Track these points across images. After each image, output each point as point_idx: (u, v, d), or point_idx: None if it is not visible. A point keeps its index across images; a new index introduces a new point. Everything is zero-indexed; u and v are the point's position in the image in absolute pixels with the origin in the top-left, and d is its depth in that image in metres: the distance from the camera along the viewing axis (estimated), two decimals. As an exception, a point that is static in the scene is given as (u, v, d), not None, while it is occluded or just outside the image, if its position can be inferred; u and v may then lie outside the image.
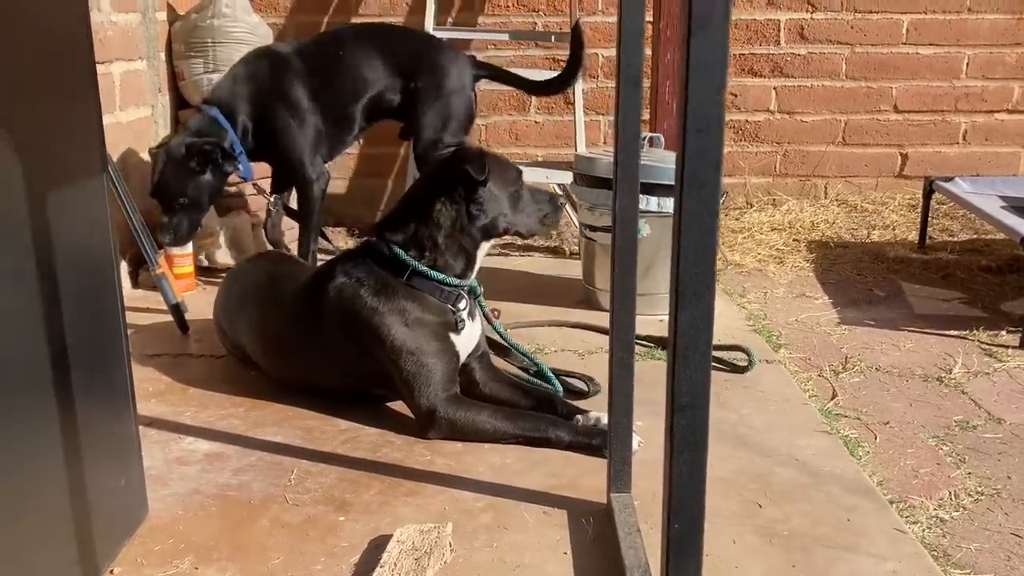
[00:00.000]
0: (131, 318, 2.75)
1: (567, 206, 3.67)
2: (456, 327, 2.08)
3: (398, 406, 2.15)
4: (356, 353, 2.08)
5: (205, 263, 3.29)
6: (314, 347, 2.15)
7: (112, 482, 1.55)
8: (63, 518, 1.38)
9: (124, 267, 3.11)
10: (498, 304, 2.70)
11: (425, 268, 2.04)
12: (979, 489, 1.91)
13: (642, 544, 1.52)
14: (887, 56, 4.24)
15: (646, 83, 3.44)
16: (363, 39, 3.15)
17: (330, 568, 1.54)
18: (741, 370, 2.38)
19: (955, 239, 3.89)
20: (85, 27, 1.45)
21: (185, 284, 3.07)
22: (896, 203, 4.29)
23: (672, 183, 2.86)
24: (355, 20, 4.14)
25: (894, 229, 4.02)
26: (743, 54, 4.20)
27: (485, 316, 2.23)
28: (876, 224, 4.07)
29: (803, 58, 4.24)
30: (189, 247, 3.13)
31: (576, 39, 3.27)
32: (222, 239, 3.31)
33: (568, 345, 2.64)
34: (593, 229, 2.97)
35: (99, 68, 1.76)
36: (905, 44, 4.22)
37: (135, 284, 3.14)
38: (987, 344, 2.73)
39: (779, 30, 4.21)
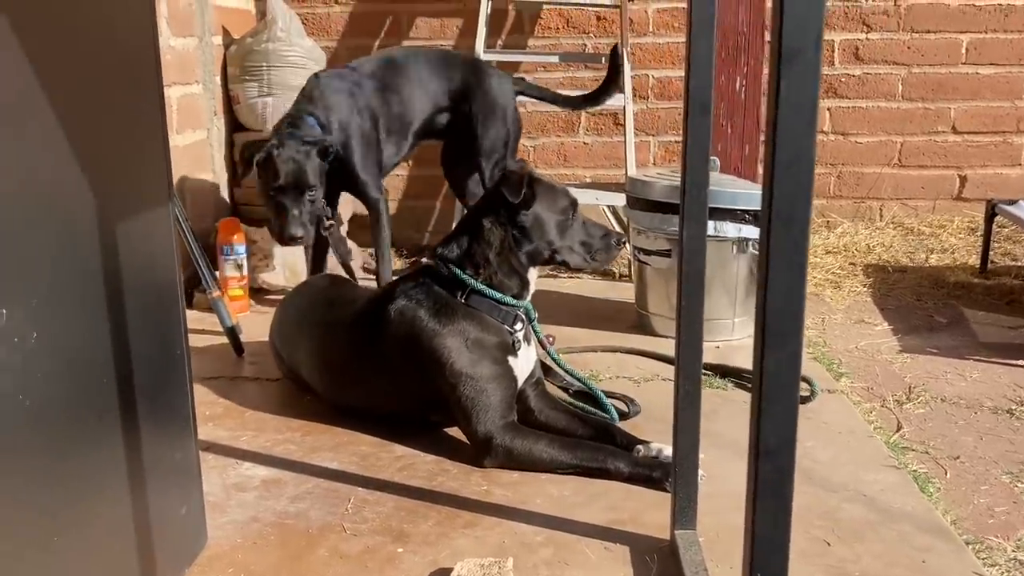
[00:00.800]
0: (187, 340, 2.78)
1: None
2: (514, 349, 2.06)
3: (454, 432, 2.13)
4: (415, 376, 2.07)
5: (259, 285, 3.31)
6: (372, 370, 2.14)
7: (174, 510, 1.55)
8: (126, 547, 1.37)
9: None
10: (549, 328, 2.68)
11: (482, 286, 2.03)
12: (1059, 530, 1.83)
13: (710, 584, 1.48)
14: (945, 76, 4.15)
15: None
16: (419, 62, 3.17)
17: (390, 602, 1.52)
18: (803, 400, 2.32)
19: (1019, 263, 3.78)
20: (154, 52, 1.46)
21: (239, 306, 3.09)
22: (954, 226, 4.19)
23: (728, 206, 2.81)
24: (406, 43, 4.16)
25: (953, 253, 3.92)
26: (797, 75, 4.14)
27: (540, 342, 2.21)
28: (934, 248, 3.98)
29: (858, 79, 4.17)
30: (245, 268, 3.15)
31: (613, 62, 3.38)
32: (276, 261, 3.33)
33: (623, 372, 2.60)
34: (647, 253, 2.93)
35: (164, 96, 1.77)
36: (964, 64, 4.13)
37: (190, 306, 3.17)
38: (1058, 375, 2.63)
39: (833, 51, 4.15)
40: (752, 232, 2.76)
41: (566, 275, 3.69)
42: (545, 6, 4.08)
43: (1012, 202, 3.60)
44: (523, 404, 2.14)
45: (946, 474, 2.05)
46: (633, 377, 2.56)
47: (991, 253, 3.72)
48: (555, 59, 4.08)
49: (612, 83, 3.38)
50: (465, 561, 1.56)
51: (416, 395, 2.11)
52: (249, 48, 3.55)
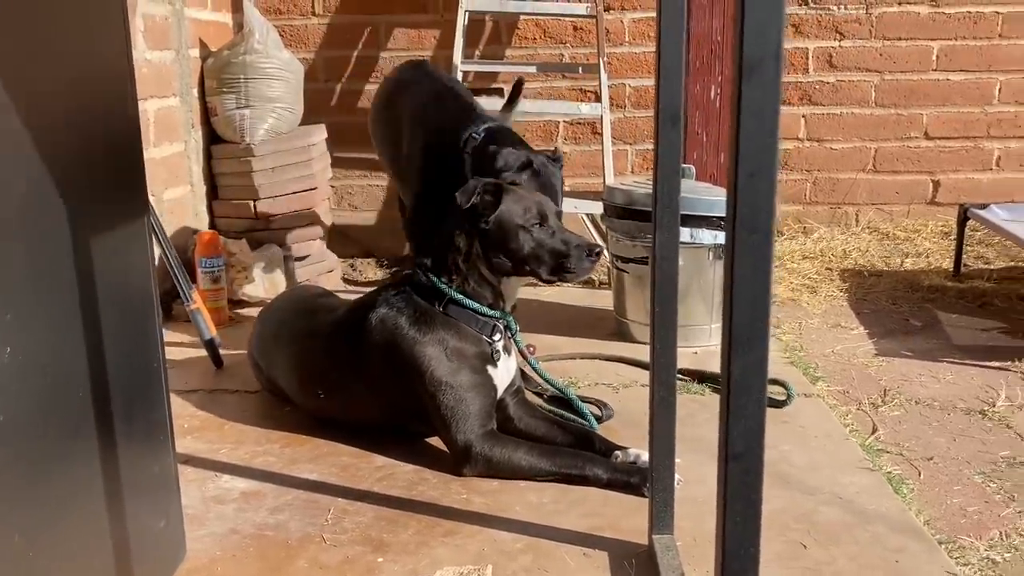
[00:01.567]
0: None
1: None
2: (493, 359, 2.07)
3: (434, 441, 2.13)
4: (395, 385, 2.08)
5: (238, 297, 3.31)
6: (352, 380, 2.15)
7: (152, 523, 1.54)
8: (104, 561, 1.37)
9: (158, 301, 3.14)
10: (529, 336, 2.70)
11: (460, 296, 2.04)
12: (1030, 528, 1.86)
13: (687, 588, 1.49)
14: (917, 83, 4.21)
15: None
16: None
17: (369, 611, 1.52)
18: (779, 404, 2.34)
19: (991, 267, 3.84)
20: (128, 65, 1.46)
21: (218, 318, 3.08)
22: (929, 230, 4.24)
23: (704, 214, 2.83)
24: (383, 54, 4.17)
25: (928, 257, 3.97)
26: (771, 82, 4.18)
27: (520, 352, 2.22)
28: (909, 252, 4.02)
29: (832, 86, 4.22)
30: (223, 280, 3.15)
31: (516, 90, 3.34)
32: (255, 272, 3.33)
33: (602, 379, 2.62)
34: (625, 260, 2.95)
35: (139, 110, 1.78)
36: (935, 71, 4.20)
37: (168, 318, 3.16)
38: (1030, 376, 2.67)
39: (807, 58, 4.20)
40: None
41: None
42: (522, 17, 4.11)
43: (983, 206, 3.65)
44: (503, 413, 2.15)
45: (920, 475, 2.08)
46: (612, 384, 2.58)
47: (964, 257, 3.77)
48: (533, 69, 4.10)
49: (512, 103, 3.34)
50: (444, 570, 1.58)
51: (396, 404, 2.12)
52: (226, 60, 3.55)
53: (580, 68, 4.05)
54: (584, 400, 2.30)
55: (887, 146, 4.28)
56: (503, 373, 2.12)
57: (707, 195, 2.85)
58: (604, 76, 3.78)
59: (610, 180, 3.71)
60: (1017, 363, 2.76)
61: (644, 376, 2.55)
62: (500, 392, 2.12)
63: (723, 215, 2.74)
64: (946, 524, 1.87)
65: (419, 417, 2.10)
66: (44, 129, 1.18)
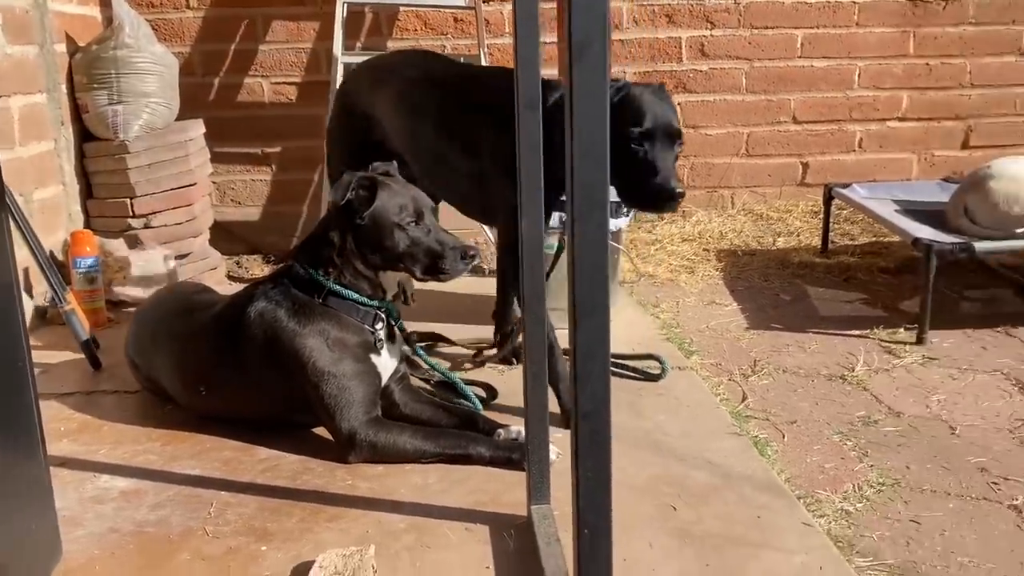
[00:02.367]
0: (40, 356, 2.69)
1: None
2: (376, 348, 2.09)
3: (320, 432, 2.15)
4: (277, 378, 2.08)
5: (116, 298, 3.23)
6: (234, 374, 2.14)
7: (23, 526, 1.51)
8: (-29, 566, 1.34)
9: (28, 303, 3.03)
10: (418, 324, 2.73)
11: (338, 287, 2.06)
12: (881, 480, 2.01)
13: (562, 552, 1.56)
14: (784, 69, 4.42)
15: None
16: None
17: (253, 598, 1.53)
18: (655, 378, 2.44)
19: (856, 243, 4.07)
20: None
21: (96, 320, 3.00)
22: (799, 210, 4.46)
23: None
24: (262, 47, 4.12)
25: (798, 236, 4.18)
26: (647, 71, 4.33)
27: (406, 339, 2.25)
28: (781, 231, 4.23)
29: (705, 74, 4.39)
30: (99, 281, 3.07)
31: None
32: (134, 272, 3.25)
33: (489, 362, 2.67)
34: (508, 247, 3.01)
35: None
36: (800, 57, 4.41)
37: (44, 320, 3.06)
38: (887, 342, 2.87)
39: (681, 47, 4.35)
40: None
41: (435, 273, 3.75)
42: (402, 8, 4.12)
43: (846, 185, 3.87)
44: (388, 399, 2.17)
45: (784, 438, 2.21)
46: (498, 367, 2.64)
47: (831, 234, 3.99)
48: (414, 60, 4.11)
49: None
50: (327, 552, 1.60)
51: (279, 397, 2.12)
52: (96, 55, 3.44)
53: (462, 59, 4.08)
54: (470, 384, 2.35)
55: (758, 131, 4.48)
56: (387, 361, 2.14)
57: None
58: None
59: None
60: (876, 331, 2.95)
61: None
62: (384, 379, 2.14)
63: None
64: (805, 481, 2.00)
65: (303, 408, 2.10)
66: None
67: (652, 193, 2.13)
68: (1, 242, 1.48)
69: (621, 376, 2.46)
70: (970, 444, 2.18)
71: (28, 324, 1.56)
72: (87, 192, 3.58)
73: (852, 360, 2.71)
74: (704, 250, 4.00)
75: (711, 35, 4.36)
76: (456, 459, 2.00)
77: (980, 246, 2.94)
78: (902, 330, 2.94)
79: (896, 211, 3.46)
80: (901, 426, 2.28)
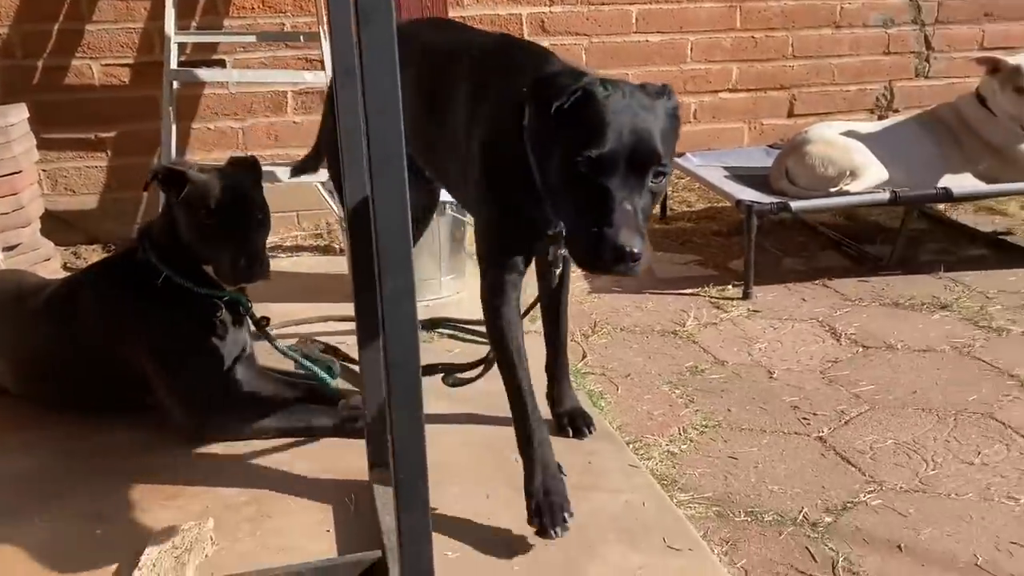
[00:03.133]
0: None
1: (332, 201, 3.71)
2: (217, 331, 2.07)
3: (161, 414, 2.11)
4: (116, 361, 2.03)
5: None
6: (72, 361, 2.08)
7: None
8: None
9: None
10: (267, 306, 2.71)
11: (175, 273, 2.02)
12: (704, 423, 2.16)
13: (399, 510, 1.61)
14: (621, 45, 4.58)
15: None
16: None
17: (87, 580, 1.51)
18: (498, 343, 2.52)
19: (692, 209, 4.28)
20: None
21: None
22: (642, 180, 4.63)
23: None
24: (89, 27, 3.94)
25: (641, 204, 4.35)
26: (491, 48, 4.38)
27: (255, 324, 2.22)
28: (625, 200, 4.39)
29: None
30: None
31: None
32: (-46, 266, 3.07)
33: (341, 339, 2.68)
34: (353, 223, 3.02)
35: None
36: (636, 32, 4.58)
37: None
38: (716, 298, 3.05)
39: (522, 23, 4.44)
40: (448, 196, 2.91)
41: (284, 255, 3.72)
42: (238, -14, 4.02)
43: (680, 155, 4.06)
44: (232, 380, 2.16)
45: (618, 390, 2.34)
46: (348, 343, 2.65)
47: (670, 201, 4.18)
48: (253, 39, 4.03)
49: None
50: (163, 528, 1.59)
51: (119, 380, 2.08)
52: (-102, 36, 3.21)
53: (301, 36, 4.03)
54: (317, 360, 2.35)
55: (600, 104, 4.61)
56: (231, 343, 2.12)
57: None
58: (326, 44, 3.79)
59: (340, 147, 3.73)
60: (707, 289, 3.13)
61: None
62: (229, 361, 2.13)
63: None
64: (636, 427, 2.13)
65: (144, 390, 2.06)
66: None
67: (589, 247, 1.47)
68: None
69: (466, 341, 2.53)
70: (785, 385, 2.36)
71: None
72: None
73: (684, 316, 2.87)
74: (551, 221, 4.11)
75: (551, 11, 4.46)
76: (299, 432, 2.02)
77: (796, 204, 3.17)
78: (730, 287, 3.13)
79: (725, 177, 3.66)
80: (725, 373, 2.44)
